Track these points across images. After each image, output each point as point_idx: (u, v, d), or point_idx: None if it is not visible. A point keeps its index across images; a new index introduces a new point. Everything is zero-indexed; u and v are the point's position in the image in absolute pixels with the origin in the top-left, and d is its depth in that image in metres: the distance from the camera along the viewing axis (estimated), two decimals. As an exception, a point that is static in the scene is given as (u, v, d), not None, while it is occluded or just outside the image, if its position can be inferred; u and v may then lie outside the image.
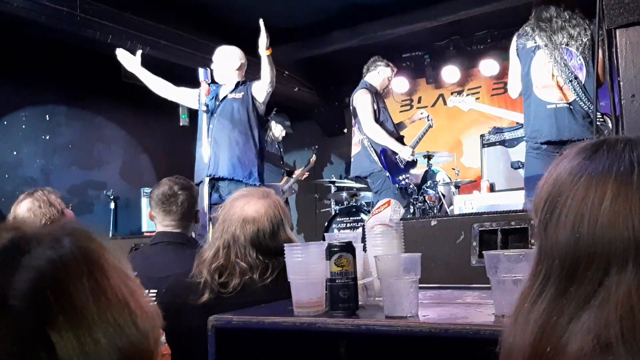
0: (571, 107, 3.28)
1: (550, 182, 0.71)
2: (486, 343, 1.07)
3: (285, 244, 1.37)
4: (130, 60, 4.01)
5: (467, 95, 4.93)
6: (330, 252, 1.29)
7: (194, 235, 2.92)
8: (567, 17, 3.29)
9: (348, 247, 1.30)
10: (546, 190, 0.71)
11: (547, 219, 0.69)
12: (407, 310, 1.19)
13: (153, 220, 2.56)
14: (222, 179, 3.81)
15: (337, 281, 1.28)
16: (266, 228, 1.72)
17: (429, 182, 5.03)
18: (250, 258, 1.69)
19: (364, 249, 1.49)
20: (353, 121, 4.61)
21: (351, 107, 4.59)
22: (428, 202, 4.90)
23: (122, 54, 4.03)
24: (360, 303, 1.33)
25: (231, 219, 1.74)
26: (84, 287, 0.58)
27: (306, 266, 1.32)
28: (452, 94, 5.29)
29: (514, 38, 3.52)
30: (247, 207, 1.76)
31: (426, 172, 5.27)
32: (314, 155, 6.51)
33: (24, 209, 2.54)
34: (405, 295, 1.20)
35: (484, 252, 1.19)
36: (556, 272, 0.66)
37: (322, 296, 1.33)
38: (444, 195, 5.12)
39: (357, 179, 4.89)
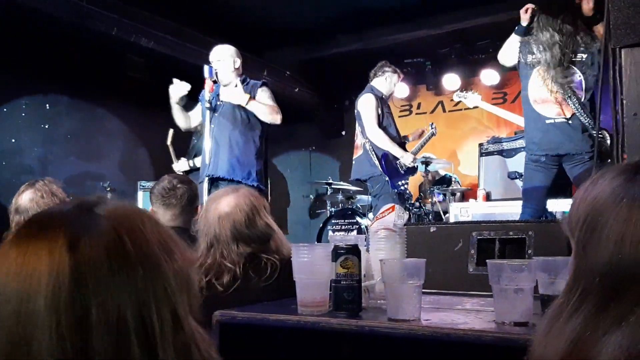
0: (570, 122, 3.33)
1: (588, 202, 0.72)
2: (486, 349, 1.11)
3: (292, 245, 1.40)
4: (178, 93, 4.00)
5: (473, 92, 4.97)
6: (336, 253, 1.32)
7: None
8: (569, 32, 3.33)
9: (354, 250, 1.33)
10: (584, 210, 0.72)
11: (587, 238, 0.71)
12: (409, 314, 1.23)
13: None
14: (222, 179, 3.83)
15: (342, 282, 1.31)
16: (240, 218, 1.79)
17: (433, 188, 5.09)
18: (234, 254, 1.75)
19: (367, 251, 1.52)
20: (356, 124, 4.64)
21: (355, 111, 4.62)
22: (424, 207, 4.94)
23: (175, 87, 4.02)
24: (362, 305, 1.36)
25: (209, 221, 1.82)
26: (146, 231, 0.67)
27: (312, 266, 1.35)
28: (458, 90, 5.31)
29: (519, 46, 3.55)
30: (220, 205, 1.84)
31: (444, 176, 5.33)
32: None
33: (27, 199, 2.54)
34: (408, 299, 1.23)
35: (487, 260, 1.22)
36: (595, 290, 0.68)
37: (326, 296, 1.36)
38: (441, 202, 5.18)
39: (357, 181, 4.92)
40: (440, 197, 5.34)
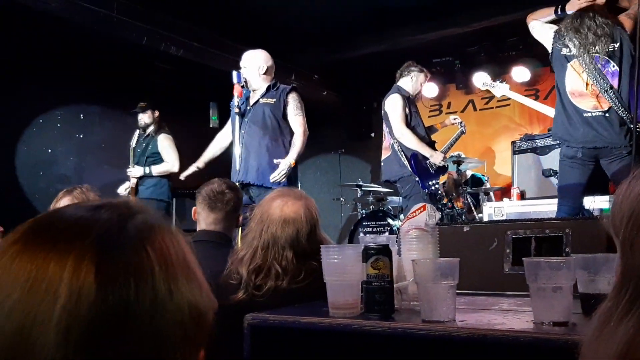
0: (607, 114, 3.25)
1: (632, 198, 0.68)
2: (524, 350, 1.08)
3: (321, 246, 1.39)
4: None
5: (501, 81, 4.91)
6: (367, 254, 1.30)
7: None
8: (600, 23, 3.26)
9: (385, 250, 1.31)
10: (628, 207, 0.68)
11: (634, 235, 0.67)
12: (444, 315, 1.20)
13: (196, 219, 2.59)
14: (252, 184, 3.85)
15: (373, 284, 1.29)
16: (304, 229, 1.75)
17: (466, 188, 5.02)
18: (286, 261, 1.71)
19: (399, 253, 1.49)
20: (384, 125, 4.60)
21: (383, 111, 4.58)
22: (457, 208, 4.87)
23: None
24: (395, 306, 1.34)
25: (271, 220, 1.77)
26: (171, 243, 0.59)
27: (342, 268, 1.33)
28: (487, 79, 5.23)
29: (552, 35, 3.48)
30: (285, 207, 1.78)
31: (472, 176, 5.27)
32: None
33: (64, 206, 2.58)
34: (442, 300, 1.20)
35: (523, 258, 1.18)
36: None
37: (357, 298, 1.33)
38: (474, 203, 5.10)
39: (387, 183, 4.88)
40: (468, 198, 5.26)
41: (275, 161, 3.76)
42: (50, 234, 0.55)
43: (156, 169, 5.16)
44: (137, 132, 5.30)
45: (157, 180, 5.16)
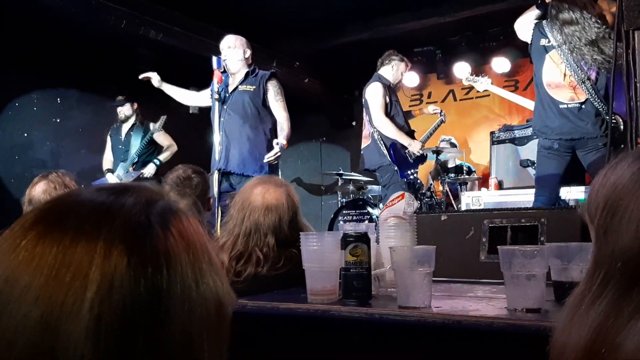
0: (583, 106, 3.30)
1: (608, 187, 0.71)
2: (498, 336, 1.10)
3: (300, 233, 1.40)
4: (154, 79, 4.24)
5: (483, 76, 4.94)
6: (345, 241, 1.32)
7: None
8: (582, 16, 3.30)
9: (363, 238, 1.32)
10: (603, 195, 0.71)
11: (607, 223, 0.69)
12: (420, 302, 1.22)
13: None
14: (233, 173, 3.84)
15: (351, 270, 1.31)
16: (286, 216, 1.77)
17: (444, 176, 5.06)
18: (267, 247, 1.73)
19: (377, 241, 1.51)
20: (364, 114, 4.61)
21: (363, 100, 4.58)
22: (435, 197, 4.91)
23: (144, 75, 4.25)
24: (372, 293, 1.36)
25: (253, 207, 1.78)
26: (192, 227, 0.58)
27: (321, 255, 1.34)
28: (469, 74, 5.26)
29: (533, 27, 3.50)
30: (267, 195, 1.80)
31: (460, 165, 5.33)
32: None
33: (40, 190, 2.57)
34: (418, 286, 1.22)
35: (498, 247, 1.21)
36: (617, 275, 0.67)
37: (335, 284, 1.35)
38: (455, 193, 5.15)
39: (366, 171, 4.90)
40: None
41: (274, 142, 3.81)
42: (73, 217, 0.52)
43: (164, 157, 5.16)
44: (116, 125, 5.29)
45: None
